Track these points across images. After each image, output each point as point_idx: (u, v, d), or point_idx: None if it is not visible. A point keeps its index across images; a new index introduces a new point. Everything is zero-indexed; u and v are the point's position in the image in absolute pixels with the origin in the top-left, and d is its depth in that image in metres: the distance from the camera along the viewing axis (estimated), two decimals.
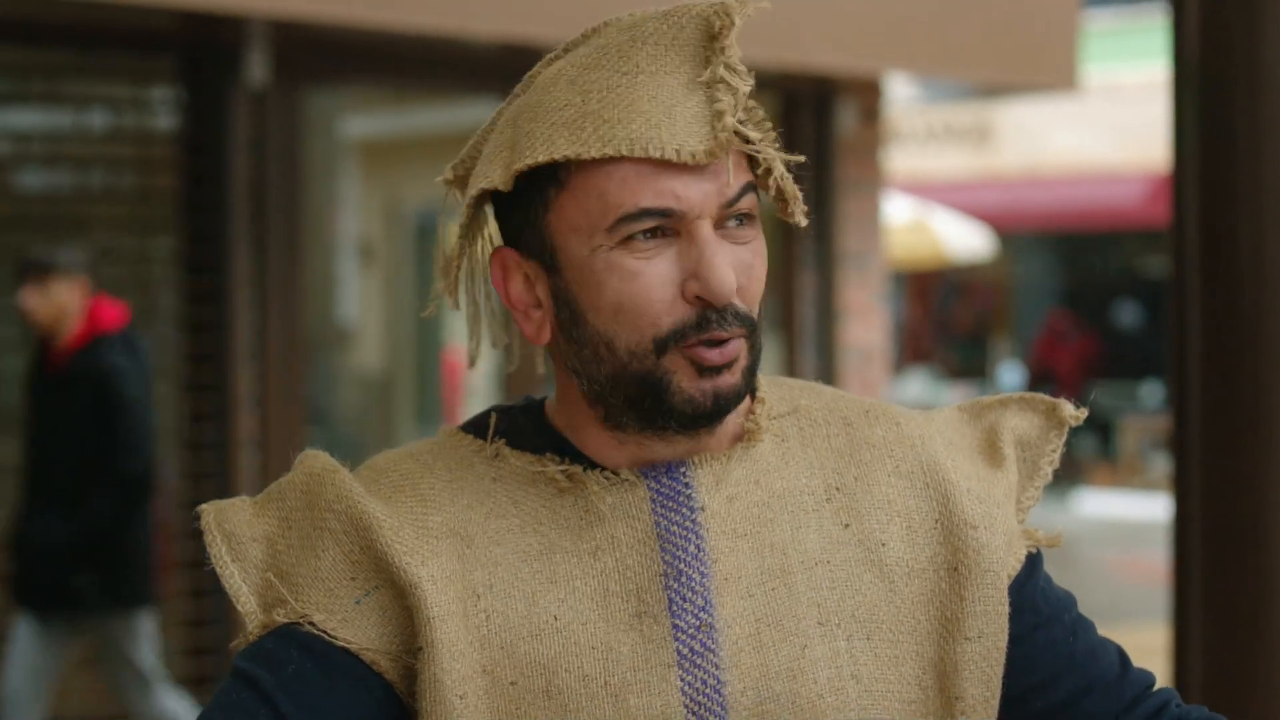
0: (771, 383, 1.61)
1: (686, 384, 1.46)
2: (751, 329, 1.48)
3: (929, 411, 1.65)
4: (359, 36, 6.34)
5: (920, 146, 18.15)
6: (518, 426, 1.56)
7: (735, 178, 1.45)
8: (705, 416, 1.47)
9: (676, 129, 1.44)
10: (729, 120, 1.44)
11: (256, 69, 6.24)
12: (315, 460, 1.54)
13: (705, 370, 1.46)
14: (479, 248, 1.59)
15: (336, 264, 12.12)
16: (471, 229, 1.56)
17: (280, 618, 1.48)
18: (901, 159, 16.66)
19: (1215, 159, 3.01)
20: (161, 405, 6.29)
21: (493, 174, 1.49)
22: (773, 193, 1.49)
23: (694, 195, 1.44)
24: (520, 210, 1.51)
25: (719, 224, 1.46)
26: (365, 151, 12.49)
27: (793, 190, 1.49)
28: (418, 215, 12.23)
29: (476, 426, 1.57)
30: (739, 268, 1.46)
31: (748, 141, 1.47)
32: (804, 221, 1.49)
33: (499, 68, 6.81)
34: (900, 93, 14.97)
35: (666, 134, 1.44)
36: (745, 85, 1.46)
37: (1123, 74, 16.67)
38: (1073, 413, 1.64)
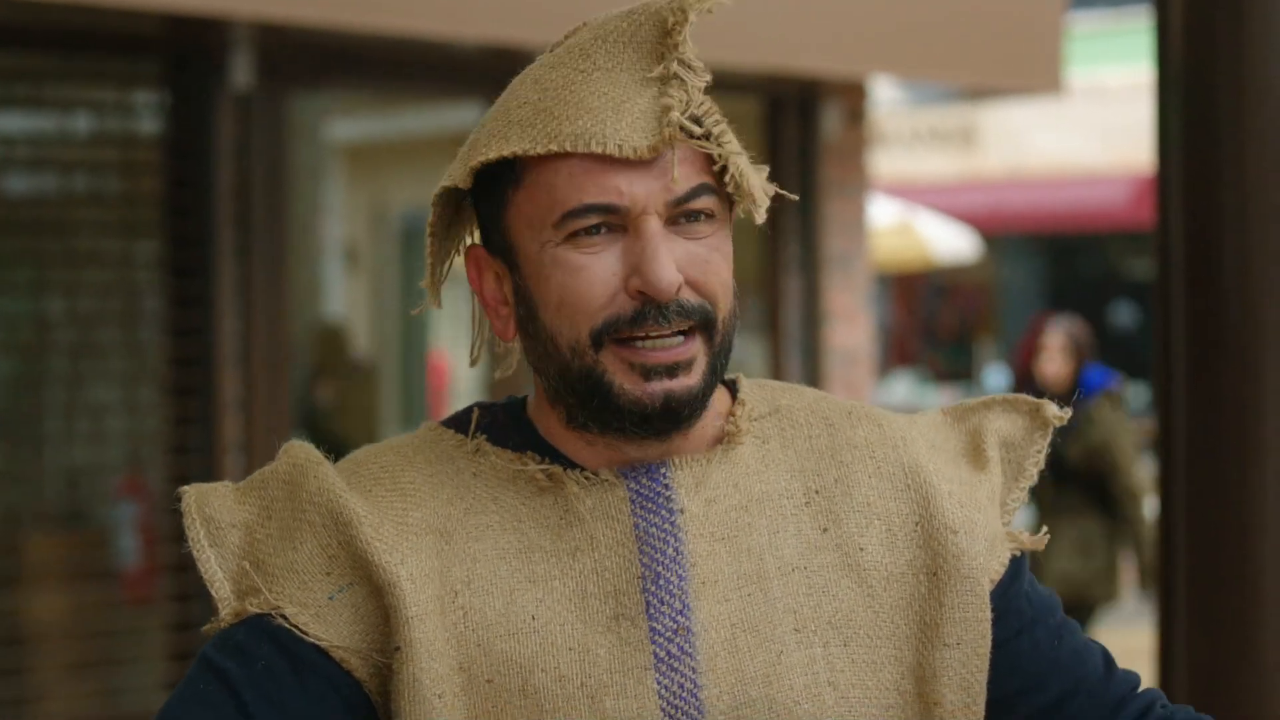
0: (753, 384, 1.60)
1: (630, 385, 1.45)
2: (707, 322, 1.46)
3: (912, 414, 1.64)
4: (344, 40, 6.33)
5: (905, 149, 18.16)
6: (499, 423, 1.55)
7: (687, 176, 1.44)
8: (656, 419, 1.46)
9: (622, 125, 1.43)
10: (674, 115, 1.43)
11: (241, 72, 6.22)
12: (299, 451, 1.53)
13: (653, 372, 1.45)
14: (465, 247, 1.58)
15: (321, 267, 12.09)
16: (453, 229, 1.56)
17: (253, 607, 1.48)
18: (886, 161, 16.66)
19: (1199, 160, 3.01)
20: (146, 409, 6.27)
21: (455, 172, 1.50)
22: (732, 189, 1.47)
23: (638, 191, 1.43)
24: (486, 208, 1.52)
25: (671, 221, 1.45)
26: (350, 155, 12.48)
27: (748, 187, 1.46)
28: (403, 219, 12.22)
29: (458, 422, 1.57)
30: (690, 261, 1.45)
31: (697, 137, 1.45)
32: (761, 219, 1.46)
33: (484, 71, 6.80)
34: (885, 95, 14.99)
35: (611, 129, 1.43)
36: (699, 81, 1.45)
37: (1107, 76, 16.69)
38: (1056, 413, 1.64)
